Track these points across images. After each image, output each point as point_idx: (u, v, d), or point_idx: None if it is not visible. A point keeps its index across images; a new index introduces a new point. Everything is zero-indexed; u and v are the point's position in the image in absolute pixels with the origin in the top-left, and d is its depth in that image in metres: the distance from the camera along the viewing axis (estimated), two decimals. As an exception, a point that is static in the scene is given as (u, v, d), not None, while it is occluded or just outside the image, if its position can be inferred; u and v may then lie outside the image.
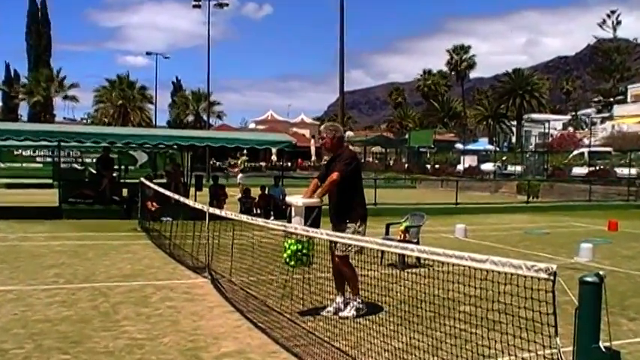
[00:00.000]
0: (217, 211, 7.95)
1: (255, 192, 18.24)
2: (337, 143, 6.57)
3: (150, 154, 32.87)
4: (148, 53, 60.06)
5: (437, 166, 46.23)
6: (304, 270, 6.19)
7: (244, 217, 6.94)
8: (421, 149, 52.11)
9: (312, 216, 6.06)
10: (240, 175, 25.27)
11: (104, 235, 12.76)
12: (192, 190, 17.74)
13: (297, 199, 6.28)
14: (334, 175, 6.26)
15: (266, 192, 17.67)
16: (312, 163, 61.71)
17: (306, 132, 77.64)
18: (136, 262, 9.46)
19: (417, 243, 9.19)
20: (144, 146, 18.71)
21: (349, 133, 70.59)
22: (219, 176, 20.45)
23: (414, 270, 6.79)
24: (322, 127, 6.81)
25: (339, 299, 6.30)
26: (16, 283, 7.64)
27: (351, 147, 6.90)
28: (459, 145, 52.52)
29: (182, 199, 10.34)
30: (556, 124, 48.52)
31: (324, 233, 5.03)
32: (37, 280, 7.80)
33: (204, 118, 61.06)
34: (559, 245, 12.63)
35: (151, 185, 13.54)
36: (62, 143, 16.60)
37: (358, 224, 6.25)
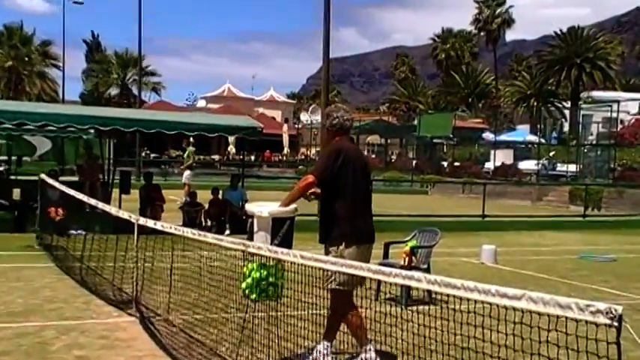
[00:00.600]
0: (151, 223, 7.91)
1: (205, 196, 18.20)
2: (331, 134, 6.64)
3: (55, 141, 32.62)
4: (50, -5, 59.47)
5: (457, 163, 46.63)
6: (270, 305, 6.18)
7: (188, 232, 6.92)
8: (435, 140, 52.52)
9: (282, 231, 6.07)
10: (186, 173, 25.20)
11: (-12, 254, 12.63)
12: (115, 193, 17.64)
13: (262, 207, 6.27)
14: (309, 177, 6.28)
15: (220, 196, 17.65)
16: (285, 157, 61.85)
17: (277, 114, 77.84)
18: (32, 294, 9.37)
19: (428, 270, 9.22)
20: (45, 129, 18.55)
21: None
22: (153, 173, 20.39)
23: (421, 308, 6.82)
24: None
25: (321, 347, 6.29)
26: None
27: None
28: (489, 135, 52.89)
29: (101, 204, 10.28)
30: (629, 105, 48.29)
31: (297, 255, 5.02)
32: None
33: (135, 91, 60.80)
34: (630, 277, 12.80)
35: (56, 185, 13.44)
36: None
37: (342, 246, 6.25)
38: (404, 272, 4.10)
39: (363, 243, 6.32)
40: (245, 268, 5.93)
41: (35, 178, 15.24)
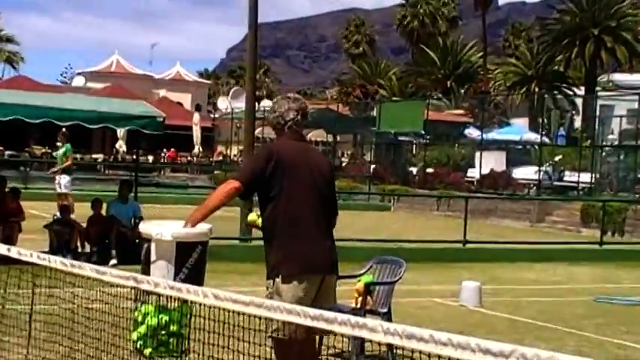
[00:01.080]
0: (3, 248, 7.80)
1: (83, 211, 17.98)
2: (276, 132, 7.00)
3: None
4: None
5: (430, 169, 46.70)
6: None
7: (57, 261, 6.84)
8: (401, 138, 52.96)
9: (190, 260, 6.06)
10: (64, 180, 24.55)
11: None
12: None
13: (162, 227, 6.25)
14: (232, 182, 6.39)
15: (103, 211, 17.49)
16: (195, 158, 61.48)
17: (185, 98, 77.53)
18: None
19: (388, 315, 9.27)
20: None
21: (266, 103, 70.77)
22: (7, 178, 20.06)
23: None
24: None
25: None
26: None
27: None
28: (473, 132, 53.06)
29: None
30: (663, 93, 47.98)
31: (210, 294, 5.01)
32: None
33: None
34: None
35: None
36: None
37: (278, 279, 6.37)
38: (354, 319, 4.11)
39: (309, 274, 6.41)
40: (137, 313, 5.90)
41: None
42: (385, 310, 9.60)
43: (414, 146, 54.90)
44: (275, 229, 6.45)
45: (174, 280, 5.78)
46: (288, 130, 6.81)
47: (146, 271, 6.09)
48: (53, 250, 15.49)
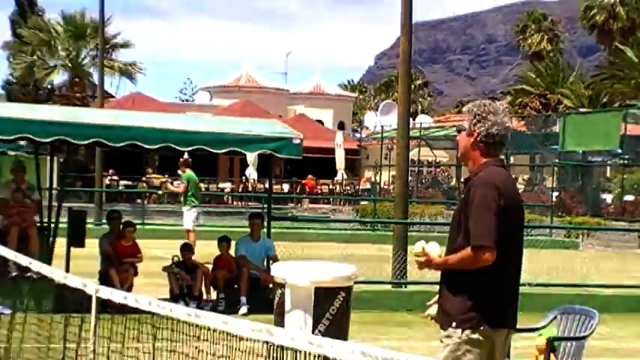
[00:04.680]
0: (119, 295, 7.91)
1: (208, 250, 18.21)
2: (478, 147, 6.69)
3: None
4: None
5: (629, 197, 45.95)
6: None
7: (179, 310, 6.93)
8: (593, 158, 52.28)
9: (331, 309, 6.11)
10: (191, 213, 25.09)
11: None
12: (61, 244, 17.73)
13: (299, 269, 6.33)
14: (484, 255, 6.38)
15: (231, 251, 17.66)
16: (339, 186, 61.44)
17: (327, 115, 77.83)
18: None
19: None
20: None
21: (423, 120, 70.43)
22: (122, 213, 20.40)
23: None
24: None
25: None
26: None
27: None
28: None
29: (37, 264, 10.37)
30: None
31: (356, 350, 5.02)
32: None
33: (94, 77, 60.80)
34: None
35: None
36: None
37: (468, 332, 6.45)
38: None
39: (502, 327, 6.66)
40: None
41: None
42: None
43: (608, 168, 53.94)
44: (481, 278, 6.46)
45: (313, 332, 5.83)
46: (495, 152, 6.66)
47: (279, 322, 6.16)
48: (174, 297, 15.83)
